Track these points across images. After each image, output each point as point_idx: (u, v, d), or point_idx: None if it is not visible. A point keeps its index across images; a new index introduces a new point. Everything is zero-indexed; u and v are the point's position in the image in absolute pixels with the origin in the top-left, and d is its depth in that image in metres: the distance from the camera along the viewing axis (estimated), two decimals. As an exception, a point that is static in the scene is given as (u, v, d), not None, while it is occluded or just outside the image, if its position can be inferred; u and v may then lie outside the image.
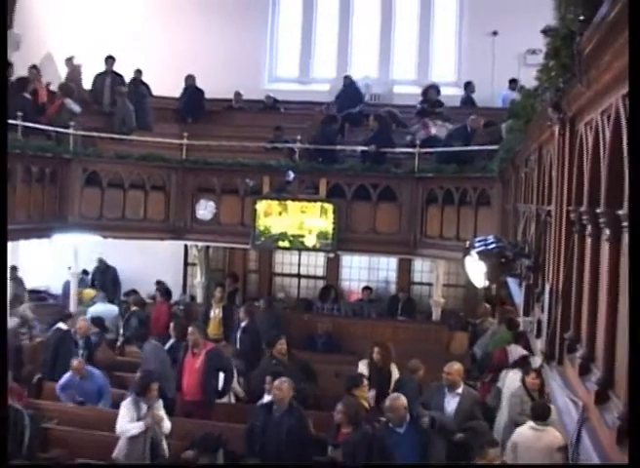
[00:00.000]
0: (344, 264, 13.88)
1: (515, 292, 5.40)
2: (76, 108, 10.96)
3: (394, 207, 10.55)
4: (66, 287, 11.84)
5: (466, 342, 10.80)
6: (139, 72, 13.01)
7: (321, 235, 10.61)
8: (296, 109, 13.94)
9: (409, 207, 10.42)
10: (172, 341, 8.66)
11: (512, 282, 5.34)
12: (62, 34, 13.61)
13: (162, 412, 6.81)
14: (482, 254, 4.33)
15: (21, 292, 11.59)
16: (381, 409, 6.81)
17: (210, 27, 14.39)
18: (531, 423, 6.10)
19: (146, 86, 13.01)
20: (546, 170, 4.16)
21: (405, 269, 13.52)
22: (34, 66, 11.48)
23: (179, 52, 13.98)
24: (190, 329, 8.04)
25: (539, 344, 3.77)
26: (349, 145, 11.47)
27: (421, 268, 13.50)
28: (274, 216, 10.65)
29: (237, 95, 13.86)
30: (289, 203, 10.61)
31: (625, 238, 2.11)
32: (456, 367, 6.90)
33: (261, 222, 10.68)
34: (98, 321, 10.21)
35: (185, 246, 13.37)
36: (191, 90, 13.40)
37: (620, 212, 2.10)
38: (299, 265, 13.95)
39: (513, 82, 12.14)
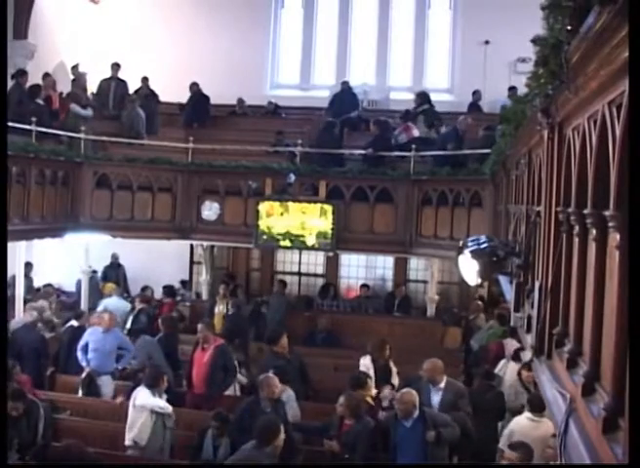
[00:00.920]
0: (343, 263, 14.04)
1: (506, 290, 5.42)
2: (84, 113, 11.07)
3: (391, 208, 10.64)
4: (79, 285, 11.91)
5: (459, 337, 10.99)
6: (145, 80, 13.24)
7: (321, 235, 10.68)
8: (296, 114, 14.14)
9: (405, 208, 10.51)
10: (160, 334, 8.79)
11: (503, 279, 5.38)
12: (74, 44, 13.83)
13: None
14: (475, 253, 4.39)
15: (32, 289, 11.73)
16: (381, 399, 7.06)
17: (214, 37, 14.65)
18: (528, 414, 6.24)
19: (154, 93, 13.22)
20: (536, 172, 4.17)
21: (401, 267, 13.64)
22: (47, 74, 11.66)
23: (185, 60, 14.24)
24: (199, 326, 8.17)
25: (529, 339, 3.79)
26: (348, 149, 11.54)
27: (417, 266, 13.62)
28: (276, 217, 10.74)
29: (240, 101, 14.03)
30: (290, 204, 10.69)
31: (611, 238, 2.13)
32: (429, 365, 6.76)
33: (264, 223, 10.76)
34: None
35: (191, 245, 13.50)
36: (197, 96, 13.48)
37: (607, 212, 2.10)
38: (299, 264, 14.11)
39: (512, 89, 12.12)
